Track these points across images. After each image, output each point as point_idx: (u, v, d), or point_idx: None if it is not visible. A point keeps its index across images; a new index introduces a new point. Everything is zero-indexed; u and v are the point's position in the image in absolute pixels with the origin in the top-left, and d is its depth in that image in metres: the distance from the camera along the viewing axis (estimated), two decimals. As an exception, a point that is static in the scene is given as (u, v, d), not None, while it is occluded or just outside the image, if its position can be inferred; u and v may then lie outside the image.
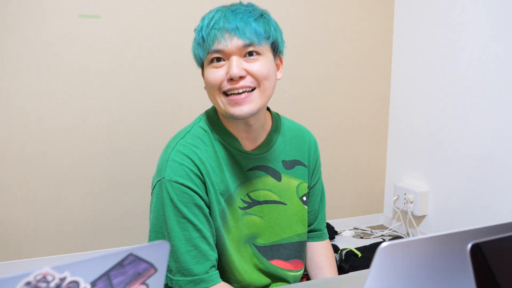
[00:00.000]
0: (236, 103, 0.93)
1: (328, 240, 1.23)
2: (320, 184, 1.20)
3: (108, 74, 2.02)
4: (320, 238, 1.20)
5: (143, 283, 0.49)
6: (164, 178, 0.94)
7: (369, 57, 2.49)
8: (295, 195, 1.10)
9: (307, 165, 1.13)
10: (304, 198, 1.12)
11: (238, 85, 0.92)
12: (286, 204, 1.08)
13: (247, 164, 1.03)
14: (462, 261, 0.55)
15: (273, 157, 1.07)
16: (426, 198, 2.38)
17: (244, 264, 1.03)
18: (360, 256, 1.91)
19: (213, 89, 0.95)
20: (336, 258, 1.93)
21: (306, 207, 1.13)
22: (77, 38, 1.94)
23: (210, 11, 0.97)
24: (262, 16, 0.97)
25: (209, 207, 0.98)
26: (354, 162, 2.58)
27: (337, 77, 2.44)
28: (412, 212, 2.41)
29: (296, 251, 1.11)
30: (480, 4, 2.01)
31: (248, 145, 1.04)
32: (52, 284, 0.43)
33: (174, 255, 0.94)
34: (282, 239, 1.08)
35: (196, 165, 0.95)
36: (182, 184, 0.93)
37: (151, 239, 0.98)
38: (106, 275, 0.46)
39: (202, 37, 0.94)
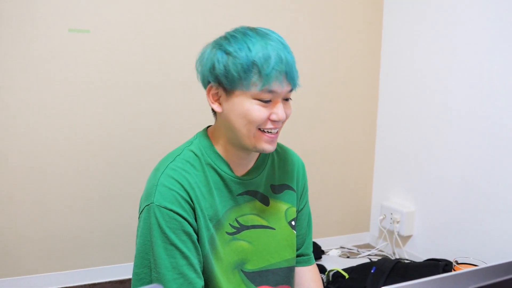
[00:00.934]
0: (271, 141, 0.96)
1: (315, 264, 1.23)
2: (307, 208, 1.20)
3: (97, 88, 1.99)
4: (307, 263, 1.20)
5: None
6: (152, 203, 0.92)
7: (356, 78, 2.51)
8: (283, 219, 1.09)
9: (295, 189, 1.13)
10: (293, 223, 1.12)
11: (276, 126, 0.95)
12: (274, 229, 1.07)
13: (237, 189, 1.02)
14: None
15: (262, 182, 1.07)
16: (412, 218, 2.39)
17: None
18: (347, 278, 1.90)
19: (250, 124, 0.93)
20: (323, 279, 1.92)
21: (295, 232, 1.12)
22: (66, 52, 1.92)
23: (254, 38, 0.91)
24: (294, 57, 0.98)
25: (197, 233, 0.96)
26: (341, 181, 2.58)
27: (324, 97, 2.45)
28: (398, 231, 2.42)
29: (284, 277, 1.10)
30: (467, 25, 2.05)
31: (239, 171, 1.03)
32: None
33: (159, 282, 0.91)
34: (271, 264, 1.06)
35: (186, 190, 0.94)
36: (171, 210, 0.92)
37: (136, 265, 0.96)
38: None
39: (259, 71, 0.90)
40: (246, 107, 0.92)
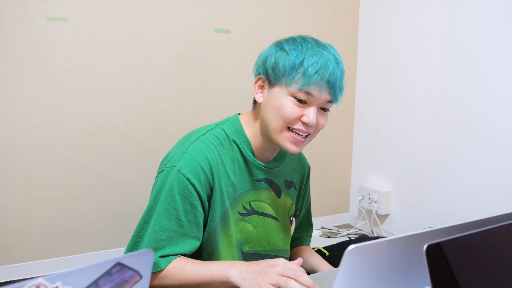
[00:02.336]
0: (296, 143, 0.99)
1: (308, 246, 1.34)
2: (309, 201, 1.33)
3: (78, 77, 2.00)
4: (300, 243, 1.32)
5: (129, 289, 0.52)
6: (175, 166, 0.97)
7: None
8: (287, 213, 1.17)
9: (298, 189, 1.22)
10: (291, 218, 1.20)
11: (306, 130, 0.98)
12: (278, 220, 1.14)
13: (257, 175, 1.07)
14: (421, 260, 0.61)
15: (279, 174, 1.13)
16: (389, 197, 2.48)
17: None
18: (328, 255, 1.97)
19: (281, 118, 0.97)
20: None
21: (292, 228, 1.20)
22: (45, 41, 1.92)
23: (311, 44, 0.98)
24: (343, 73, 1.01)
25: (205, 210, 1.00)
26: (321, 164, 2.65)
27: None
28: (376, 211, 2.51)
29: None
30: (442, 13, 2.12)
31: (261, 159, 1.09)
32: (45, 294, 0.45)
33: (150, 236, 0.96)
34: (264, 250, 1.13)
35: (209, 164, 0.98)
36: (188, 179, 0.96)
37: (141, 219, 1.00)
38: (95, 283, 0.49)
39: (303, 71, 0.95)
40: (282, 101, 0.97)
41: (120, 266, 0.51)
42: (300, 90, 0.95)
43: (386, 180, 2.52)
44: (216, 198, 1.00)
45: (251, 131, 1.06)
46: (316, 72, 0.94)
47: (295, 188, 1.20)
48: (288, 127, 0.98)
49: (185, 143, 1.01)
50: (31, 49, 1.91)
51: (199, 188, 0.97)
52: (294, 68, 0.96)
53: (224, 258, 1.04)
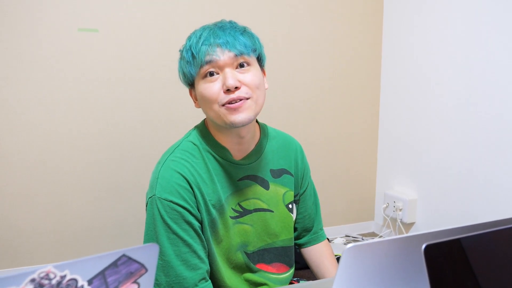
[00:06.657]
0: (235, 110, 0.95)
1: (326, 240, 1.28)
2: (311, 189, 1.25)
3: (106, 85, 2.08)
4: (319, 239, 1.26)
5: (135, 282, 0.55)
6: (154, 195, 0.98)
7: (359, 68, 2.57)
8: (281, 202, 1.14)
9: (293, 174, 1.17)
10: (290, 206, 1.16)
11: (235, 96, 0.95)
12: (273, 212, 1.12)
13: (237, 174, 1.06)
14: (420, 260, 0.61)
15: (261, 166, 1.11)
16: (415, 205, 2.44)
17: (230, 271, 1.08)
18: (349, 262, 1.96)
19: (211, 103, 0.97)
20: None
21: (292, 215, 1.17)
22: (76, 51, 2.02)
23: (196, 30, 1.02)
24: (245, 31, 1.03)
25: (200, 221, 1.01)
26: (345, 171, 2.64)
27: (328, 88, 2.51)
28: (401, 219, 2.47)
29: (279, 256, 1.15)
30: (466, 17, 2.09)
31: (238, 155, 1.07)
32: (54, 281, 0.49)
33: (164, 269, 0.97)
34: (267, 244, 1.12)
35: (185, 179, 0.99)
36: (171, 201, 0.97)
37: None
38: (102, 273, 0.52)
39: (192, 54, 0.97)
40: (200, 90, 1.00)
41: (125, 258, 0.54)
42: (201, 67, 0.97)
43: (411, 187, 2.48)
44: (202, 208, 1.01)
45: (216, 132, 1.06)
46: (202, 43, 0.96)
47: (290, 174, 1.16)
48: (223, 105, 0.96)
49: (157, 169, 1.03)
50: (63, 59, 2.01)
51: (186, 204, 0.98)
52: (188, 60, 0.99)
53: (220, 264, 1.05)
